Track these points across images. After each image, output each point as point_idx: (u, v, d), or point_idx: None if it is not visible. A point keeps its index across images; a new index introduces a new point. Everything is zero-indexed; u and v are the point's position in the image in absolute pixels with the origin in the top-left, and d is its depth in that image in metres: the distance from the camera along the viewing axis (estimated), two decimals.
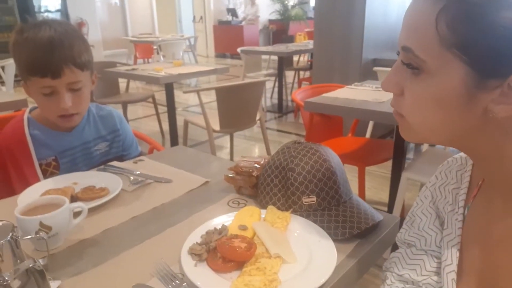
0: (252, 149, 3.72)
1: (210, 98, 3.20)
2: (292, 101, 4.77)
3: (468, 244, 0.57)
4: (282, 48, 4.83)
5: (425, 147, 3.29)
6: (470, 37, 0.42)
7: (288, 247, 0.71)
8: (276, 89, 5.13)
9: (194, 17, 11.32)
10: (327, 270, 0.64)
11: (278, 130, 4.26)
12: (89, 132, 1.21)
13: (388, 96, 1.91)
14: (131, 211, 0.89)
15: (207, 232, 0.74)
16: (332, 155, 0.87)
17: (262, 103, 2.96)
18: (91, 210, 0.87)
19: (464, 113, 0.46)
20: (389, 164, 1.96)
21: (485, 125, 0.46)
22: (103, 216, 0.88)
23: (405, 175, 1.82)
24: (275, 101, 5.15)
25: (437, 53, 0.44)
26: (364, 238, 0.76)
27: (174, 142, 3.19)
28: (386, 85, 0.52)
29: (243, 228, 0.76)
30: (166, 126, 3.49)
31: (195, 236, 0.74)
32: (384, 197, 2.09)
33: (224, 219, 0.81)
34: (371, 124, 2.72)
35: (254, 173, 0.93)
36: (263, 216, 0.82)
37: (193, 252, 0.68)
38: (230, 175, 0.98)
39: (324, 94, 2.06)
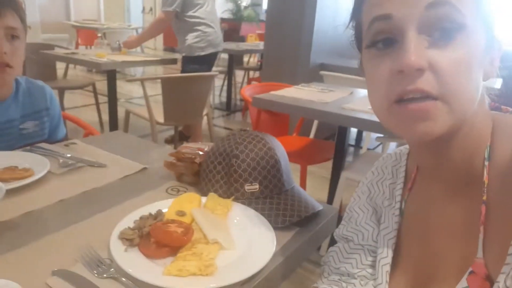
0: None
1: (155, 91, 3.08)
2: (241, 99, 4.78)
3: (407, 236, 0.58)
4: (233, 46, 4.80)
5: (364, 149, 3.45)
6: None
7: (227, 234, 0.68)
8: (225, 87, 5.09)
9: (143, 8, 10.92)
10: (264, 257, 0.63)
11: (225, 128, 4.23)
12: (16, 110, 1.10)
13: (332, 97, 1.99)
14: (58, 195, 0.81)
15: (141, 217, 0.70)
16: (277, 144, 0.86)
17: (210, 100, 2.92)
18: (12, 192, 0.78)
19: (480, 77, 0.46)
20: (329, 165, 2.02)
21: None
22: (25, 199, 0.79)
23: (344, 175, 1.88)
24: (224, 99, 5.10)
25: (471, 8, 0.43)
26: (303, 226, 0.76)
27: None
28: (420, 60, 0.42)
29: (181, 214, 0.72)
30: (106, 117, 3.30)
31: (128, 221, 0.69)
32: (324, 196, 2.15)
33: (161, 205, 0.76)
34: (315, 125, 2.79)
35: (197, 160, 0.89)
36: (203, 203, 0.79)
37: (124, 237, 0.64)
38: (171, 161, 0.93)
39: (272, 92, 2.07)
